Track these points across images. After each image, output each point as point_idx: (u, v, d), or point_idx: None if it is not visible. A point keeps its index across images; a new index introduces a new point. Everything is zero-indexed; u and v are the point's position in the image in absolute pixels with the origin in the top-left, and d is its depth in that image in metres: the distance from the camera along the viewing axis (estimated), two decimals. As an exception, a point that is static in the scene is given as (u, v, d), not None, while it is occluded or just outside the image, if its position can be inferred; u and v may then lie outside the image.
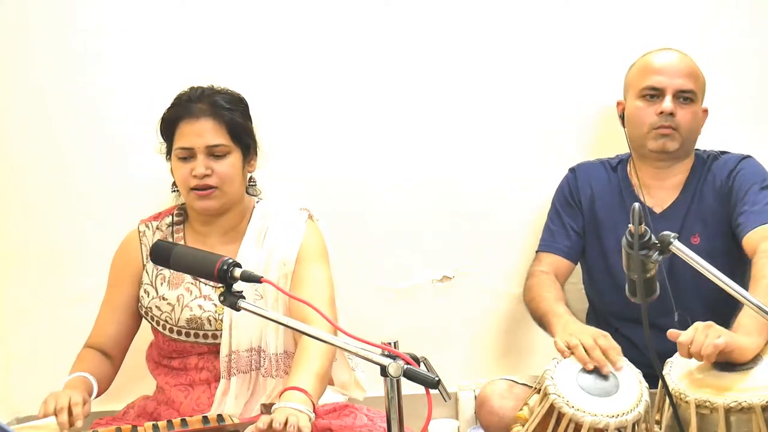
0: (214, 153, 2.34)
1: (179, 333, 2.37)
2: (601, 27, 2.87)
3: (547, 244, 2.70)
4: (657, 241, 1.91)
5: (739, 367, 2.11)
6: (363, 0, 2.84)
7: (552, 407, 2.13)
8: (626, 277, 1.99)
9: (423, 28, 2.85)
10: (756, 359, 2.13)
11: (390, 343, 1.80)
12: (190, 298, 2.37)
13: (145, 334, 2.49)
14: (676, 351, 2.17)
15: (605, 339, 2.27)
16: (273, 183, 2.68)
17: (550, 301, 2.50)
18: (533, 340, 2.86)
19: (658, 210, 2.61)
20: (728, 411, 2.02)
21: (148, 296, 2.41)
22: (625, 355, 2.26)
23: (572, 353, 2.25)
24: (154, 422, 2.19)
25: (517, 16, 2.86)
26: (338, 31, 2.84)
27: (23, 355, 2.86)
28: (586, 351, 2.23)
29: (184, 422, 2.14)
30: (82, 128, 2.82)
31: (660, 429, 2.18)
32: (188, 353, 2.38)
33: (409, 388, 1.77)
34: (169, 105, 2.40)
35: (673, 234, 1.90)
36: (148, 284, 2.42)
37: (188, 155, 2.34)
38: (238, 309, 1.87)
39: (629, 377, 2.21)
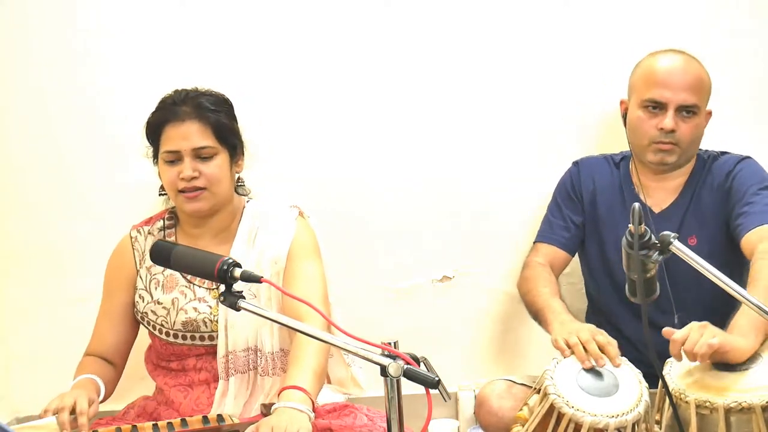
0: (200, 155, 2.33)
1: (176, 336, 2.37)
2: (602, 27, 2.87)
3: (545, 235, 2.70)
4: (657, 241, 1.91)
5: (739, 367, 2.11)
6: (363, 0, 2.84)
7: (552, 407, 2.13)
8: (626, 277, 1.99)
9: (423, 27, 2.85)
10: (755, 359, 2.12)
11: (390, 343, 1.80)
12: (185, 301, 2.37)
13: (144, 335, 2.49)
14: (675, 351, 2.17)
15: (603, 335, 2.27)
16: (273, 183, 2.68)
17: (547, 297, 2.50)
18: (533, 340, 2.85)
19: (656, 210, 2.61)
20: (728, 411, 2.02)
21: (143, 301, 2.41)
22: (625, 355, 2.26)
23: (572, 352, 2.25)
24: (154, 422, 2.20)
25: (517, 16, 2.86)
26: (339, 31, 2.84)
27: (23, 355, 2.86)
28: (583, 346, 2.23)
29: (184, 422, 2.15)
30: (82, 128, 2.82)
31: (660, 429, 2.17)
32: (186, 356, 2.38)
33: (409, 388, 1.77)
34: (153, 109, 2.40)
35: (673, 234, 1.90)
36: (142, 289, 2.42)
37: (175, 158, 2.34)
38: (238, 309, 1.87)
39: (629, 377, 2.20)
